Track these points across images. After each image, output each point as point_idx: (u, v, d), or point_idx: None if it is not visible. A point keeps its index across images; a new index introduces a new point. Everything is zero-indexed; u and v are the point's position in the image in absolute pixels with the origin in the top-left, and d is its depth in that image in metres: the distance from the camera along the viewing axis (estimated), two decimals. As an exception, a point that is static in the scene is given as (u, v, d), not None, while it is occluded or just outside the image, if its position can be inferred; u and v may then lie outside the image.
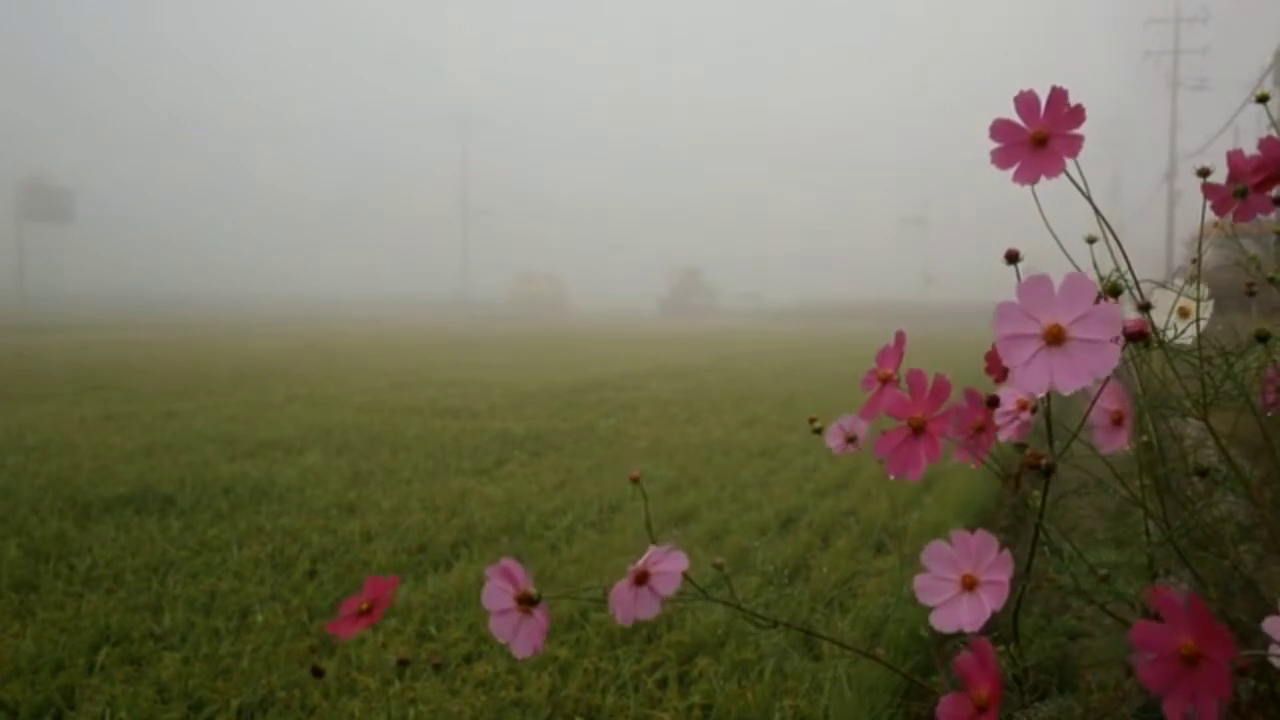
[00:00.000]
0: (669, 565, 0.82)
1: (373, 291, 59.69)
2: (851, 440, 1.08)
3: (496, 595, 0.81)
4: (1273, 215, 0.96)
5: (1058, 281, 0.68)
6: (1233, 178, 0.92)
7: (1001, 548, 0.73)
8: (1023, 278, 0.69)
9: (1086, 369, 0.66)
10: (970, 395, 0.84)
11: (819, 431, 1.06)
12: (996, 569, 0.72)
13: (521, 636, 0.80)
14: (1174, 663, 0.60)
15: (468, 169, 70.86)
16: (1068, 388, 0.67)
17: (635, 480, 0.97)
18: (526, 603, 0.80)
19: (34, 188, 57.80)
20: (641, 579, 0.81)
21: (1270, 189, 0.92)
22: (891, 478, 0.80)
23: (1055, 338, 0.66)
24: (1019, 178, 0.77)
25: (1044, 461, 0.78)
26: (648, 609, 0.80)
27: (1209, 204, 0.94)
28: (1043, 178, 0.78)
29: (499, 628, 0.81)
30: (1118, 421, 0.82)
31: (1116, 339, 0.66)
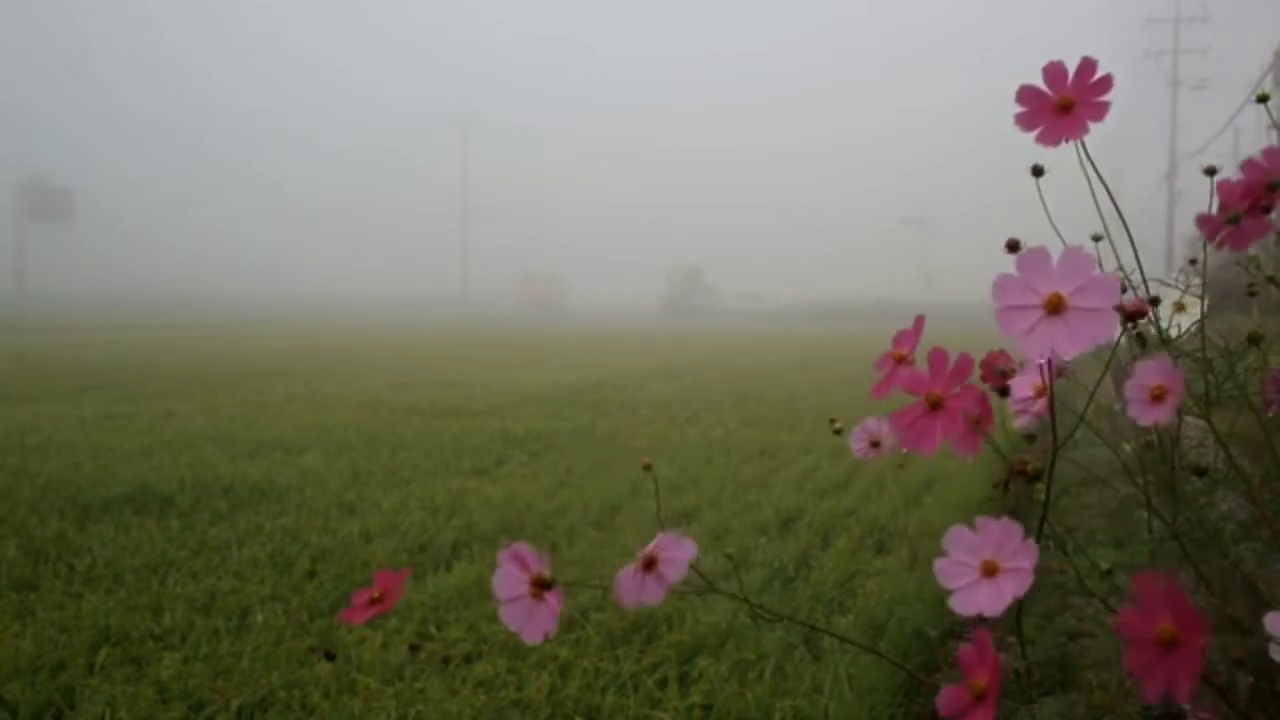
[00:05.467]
0: (677, 553, 0.81)
1: (373, 291, 59.66)
2: (876, 445, 1.05)
3: (508, 582, 0.79)
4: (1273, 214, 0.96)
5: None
6: (1223, 207, 0.94)
7: (1025, 536, 0.73)
8: None
9: (1088, 336, 0.68)
10: (969, 390, 0.84)
11: (839, 433, 1.04)
12: (1020, 556, 0.73)
13: (533, 622, 0.78)
14: (1152, 647, 0.62)
15: (468, 169, 70.91)
16: (1070, 354, 0.68)
17: (648, 468, 0.96)
18: (541, 587, 0.78)
19: (34, 187, 57.76)
20: (649, 565, 0.80)
21: (1259, 211, 0.93)
22: (905, 451, 0.80)
23: (1055, 307, 0.68)
24: (1042, 140, 0.79)
25: (1030, 468, 0.78)
26: (653, 595, 0.79)
27: (1203, 235, 0.95)
28: (1048, 175, 0.79)
29: (509, 615, 0.78)
30: (1159, 397, 0.81)
31: (1115, 308, 0.67)
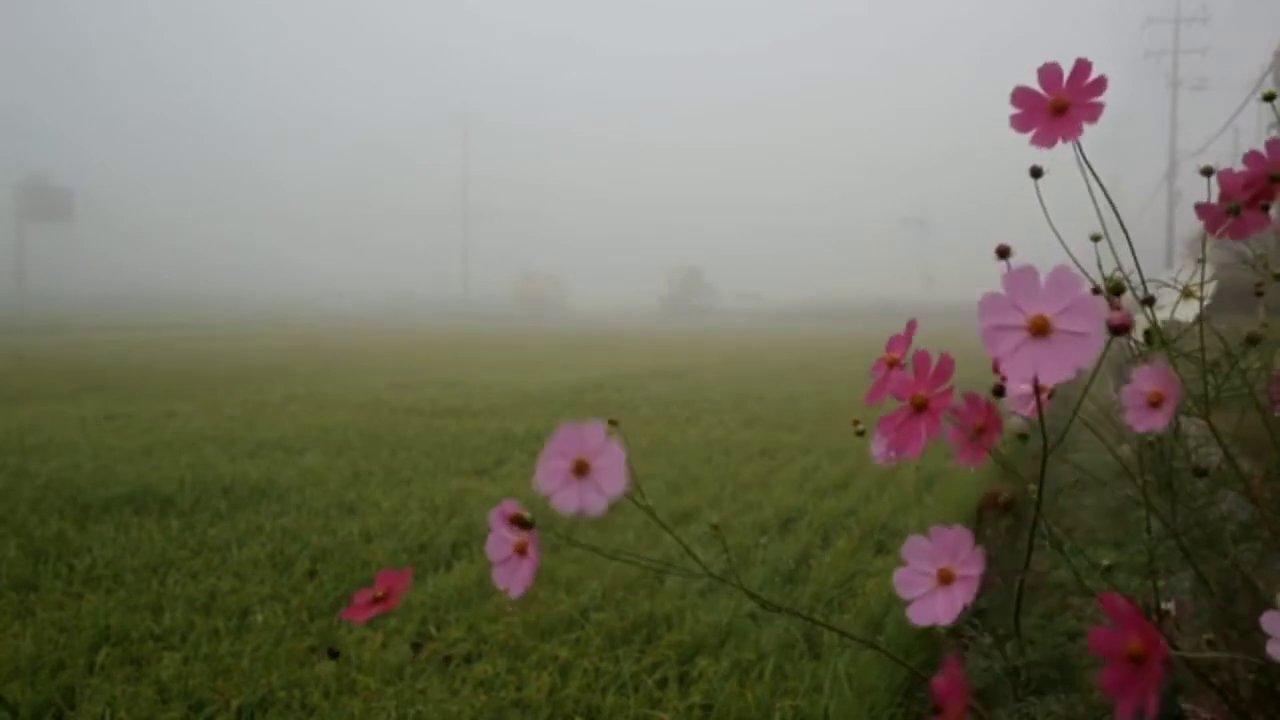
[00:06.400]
0: (606, 459, 0.73)
1: (373, 291, 59.60)
2: None
3: (498, 544, 0.80)
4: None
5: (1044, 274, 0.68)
6: (1225, 196, 0.93)
7: (975, 543, 0.73)
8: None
9: (1071, 360, 0.67)
10: (970, 398, 0.84)
11: (862, 434, 1.02)
12: (970, 564, 0.73)
13: (517, 578, 0.79)
14: (1125, 665, 0.61)
15: (468, 169, 70.90)
16: (1052, 379, 0.67)
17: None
18: (520, 525, 0.77)
19: (34, 187, 57.70)
20: (581, 470, 0.73)
21: (1261, 204, 0.92)
22: (893, 455, 0.80)
23: (1040, 329, 0.67)
24: (1036, 141, 0.79)
25: (1002, 499, 0.79)
26: (594, 504, 0.74)
27: (1203, 225, 0.94)
28: (1047, 175, 0.79)
29: (500, 575, 0.80)
30: (1155, 404, 0.81)
31: (1101, 331, 0.66)
